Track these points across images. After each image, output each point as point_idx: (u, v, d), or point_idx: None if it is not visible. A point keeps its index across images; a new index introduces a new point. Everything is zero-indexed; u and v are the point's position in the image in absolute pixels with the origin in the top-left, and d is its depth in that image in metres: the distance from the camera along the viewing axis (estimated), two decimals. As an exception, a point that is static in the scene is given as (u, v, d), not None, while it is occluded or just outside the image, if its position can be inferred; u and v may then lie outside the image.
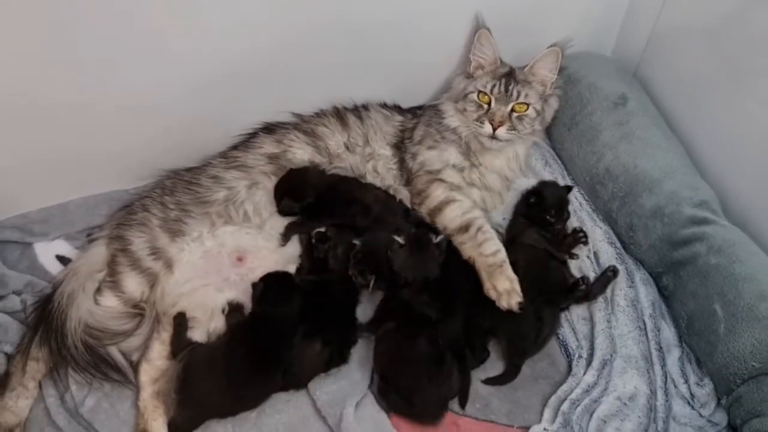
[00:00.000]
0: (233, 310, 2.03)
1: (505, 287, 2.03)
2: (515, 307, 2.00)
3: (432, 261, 2.09)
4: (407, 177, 2.35)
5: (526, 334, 2.06)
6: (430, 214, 2.25)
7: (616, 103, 2.43)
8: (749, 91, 2.15)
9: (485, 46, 2.30)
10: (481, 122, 2.26)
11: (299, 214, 2.19)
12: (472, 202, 2.27)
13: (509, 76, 2.28)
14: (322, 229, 2.13)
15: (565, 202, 2.31)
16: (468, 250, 2.13)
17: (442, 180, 2.28)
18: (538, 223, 2.25)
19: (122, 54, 2.01)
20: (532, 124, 2.31)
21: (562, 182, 2.47)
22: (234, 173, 2.22)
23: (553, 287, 2.13)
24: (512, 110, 2.26)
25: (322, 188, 2.19)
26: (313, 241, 2.11)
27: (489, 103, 2.26)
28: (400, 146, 2.39)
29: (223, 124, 2.30)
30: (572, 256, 2.27)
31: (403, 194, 2.33)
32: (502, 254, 2.10)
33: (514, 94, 2.26)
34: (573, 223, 2.35)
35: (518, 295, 2.02)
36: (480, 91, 2.28)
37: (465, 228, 2.16)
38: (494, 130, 2.24)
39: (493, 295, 2.03)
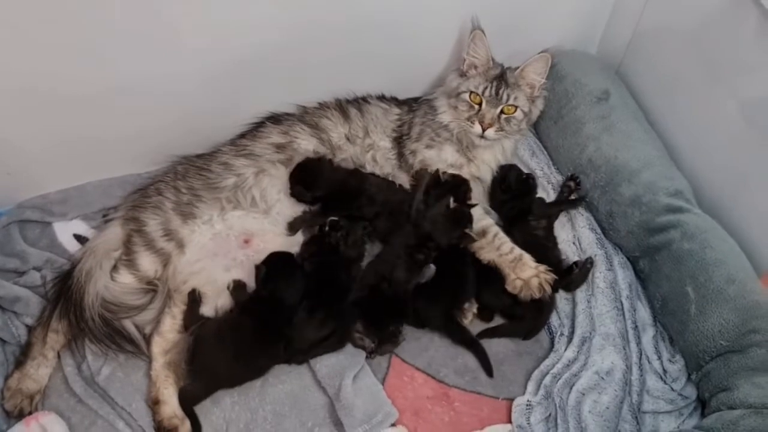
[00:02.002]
0: (237, 287, 2.04)
1: (529, 274, 2.08)
2: (548, 288, 2.07)
3: (450, 233, 2.15)
4: (408, 172, 2.37)
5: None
6: None
7: (599, 98, 2.44)
8: (723, 89, 2.17)
9: (479, 47, 2.32)
10: (471, 122, 2.29)
11: (308, 202, 2.21)
12: (482, 208, 2.30)
13: (500, 79, 2.30)
14: (335, 218, 2.15)
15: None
16: (487, 254, 2.16)
17: None
18: (521, 196, 2.33)
19: (140, 46, 2.02)
20: (519, 124, 2.34)
21: (547, 171, 2.50)
22: (243, 161, 2.23)
23: (551, 268, 2.15)
24: (501, 112, 2.29)
25: (333, 184, 2.20)
26: (327, 228, 2.12)
27: (480, 104, 2.29)
28: (398, 140, 2.41)
29: (231, 113, 2.30)
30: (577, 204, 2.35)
31: (402, 179, 2.35)
32: (518, 249, 2.15)
33: (504, 97, 2.28)
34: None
35: (546, 272, 2.10)
36: (472, 92, 2.30)
37: (482, 233, 2.19)
38: (483, 130, 2.27)
39: (518, 285, 2.08)
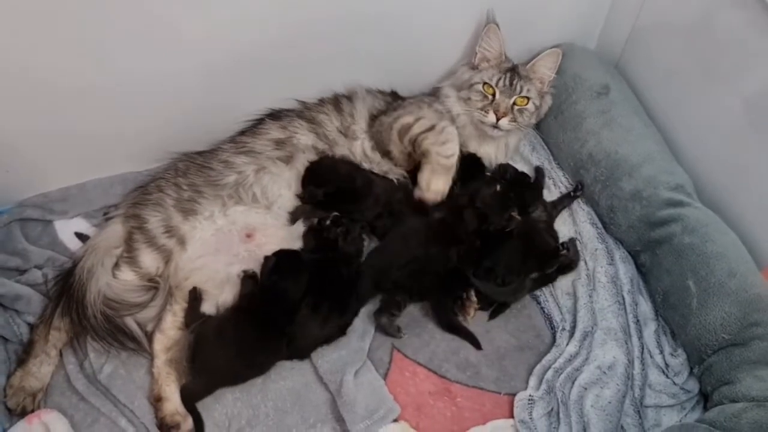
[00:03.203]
0: (248, 277, 2.04)
1: (438, 188, 2.16)
2: (431, 201, 2.17)
3: (501, 214, 2.19)
4: (374, 134, 2.35)
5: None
6: (399, 132, 2.26)
7: (599, 92, 2.44)
8: (723, 82, 2.17)
9: (493, 41, 2.34)
10: (485, 111, 2.29)
11: (319, 202, 2.20)
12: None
13: (513, 71, 2.32)
14: (336, 213, 2.15)
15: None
16: (426, 144, 2.19)
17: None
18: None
19: (139, 43, 2.01)
20: (530, 117, 2.36)
21: (548, 166, 2.50)
22: (243, 158, 2.22)
23: (543, 252, 2.18)
24: (514, 103, 2.30)
25: (343, 181, 2.21)
26: (328, 223, 2.12)
27: (493, 95, 2.30)
28: (375, 117, 2.38)
29: (231, 110, 2.29)
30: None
31: (395, 173, 2.34)
32: (455, 160, 2.20)
33: (518, 88, 2.30)
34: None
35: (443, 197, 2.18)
36: (486, 83, 2.31)
37: (431, 128, 2.22)
38: (498, 120, 2.27)
39: (422, 186, 2.17)
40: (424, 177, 2.17)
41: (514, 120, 2.30)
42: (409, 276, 2.07)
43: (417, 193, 2.19)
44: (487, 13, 2.32)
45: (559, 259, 2.19)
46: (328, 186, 2.17)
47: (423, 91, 2.55)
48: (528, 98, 2.32)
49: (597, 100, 2.43)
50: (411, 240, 2.11)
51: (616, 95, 2.44)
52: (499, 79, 2.30)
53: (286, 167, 2.24)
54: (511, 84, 2.30)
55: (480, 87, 2.32)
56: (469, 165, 2.33)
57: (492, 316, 2.16)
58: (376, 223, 2.22)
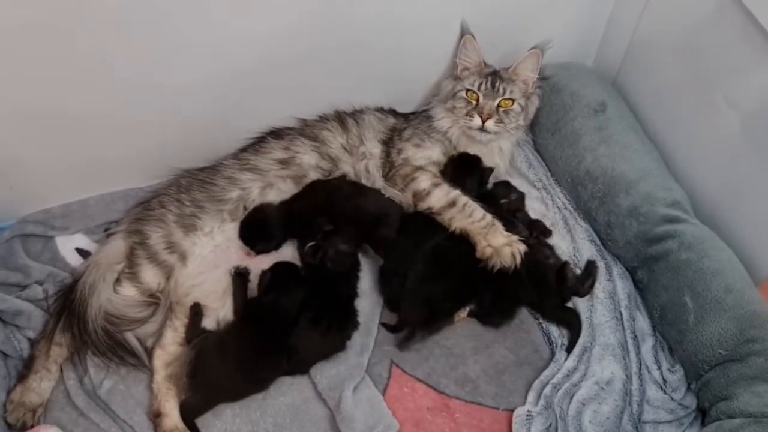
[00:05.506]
0: (240, 274, 2.05)
1: (501, 241, 2.09)
2: (518, 258, 2.07)
3: None
4: (388, 169, 2.36)
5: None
6: (415, 195, 2.26)
7: (596, 109, 2.45)
8: (720, 99, 2.17)
9: (470, 51, 2.37)
10: (470, 116, 2.31)
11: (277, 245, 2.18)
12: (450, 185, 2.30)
13: (495, 75, 2.34)
14: (308, 247, 2.11)
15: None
16: (458, 222, 2.15)
17: (427, 170, 2.30)
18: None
19: (141, 59, 2.02)
20: (517, 118, 2.36)
21: (546, 182, 2.51)
22: (248, 175, 2.23)
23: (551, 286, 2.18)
24: (499, 105, 2.31)
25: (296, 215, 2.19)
26: (305, 253, 2.11)
27: (477, 100, 2.32)
28: (388, 143, 2.41)
29: (232, 128, 2.30)
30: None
31: (389, 192, 2.33)
32: (490, 217, 2.16)
33: (500, 90, 2.31)
34: (558, 222, 2.40)
35: (518, 242, 2.11)
36: (468, 89, 2.33)
37: (452, 204, 2.19)
38: (483, 122, 2.29)
39: (488, 252, 2.08)
40: (481, 246, 2.10)
41: (500, 121, 2.31)
42: (455, 302, 2.12)
43: (494, 264, 2.09)
44: (462, 25, 2.37)
45: (581, 294, 2.20)
46: (274, 235, 2.17)
47: (418, 109, 2.58)
48: (512, 99, 2.33)
49: (594, 117, 2.44)
50: (463, 272, 2.12)
51: (613, 112, 2.45)
52: (481, 83, 2.32)
53: (294, 185, 2.25)
54: (493, 87, 2.31)
55: (463, 94, 2.34)
56: (462, 164, 2.34)
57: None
58: (346, 231, 2.18)
